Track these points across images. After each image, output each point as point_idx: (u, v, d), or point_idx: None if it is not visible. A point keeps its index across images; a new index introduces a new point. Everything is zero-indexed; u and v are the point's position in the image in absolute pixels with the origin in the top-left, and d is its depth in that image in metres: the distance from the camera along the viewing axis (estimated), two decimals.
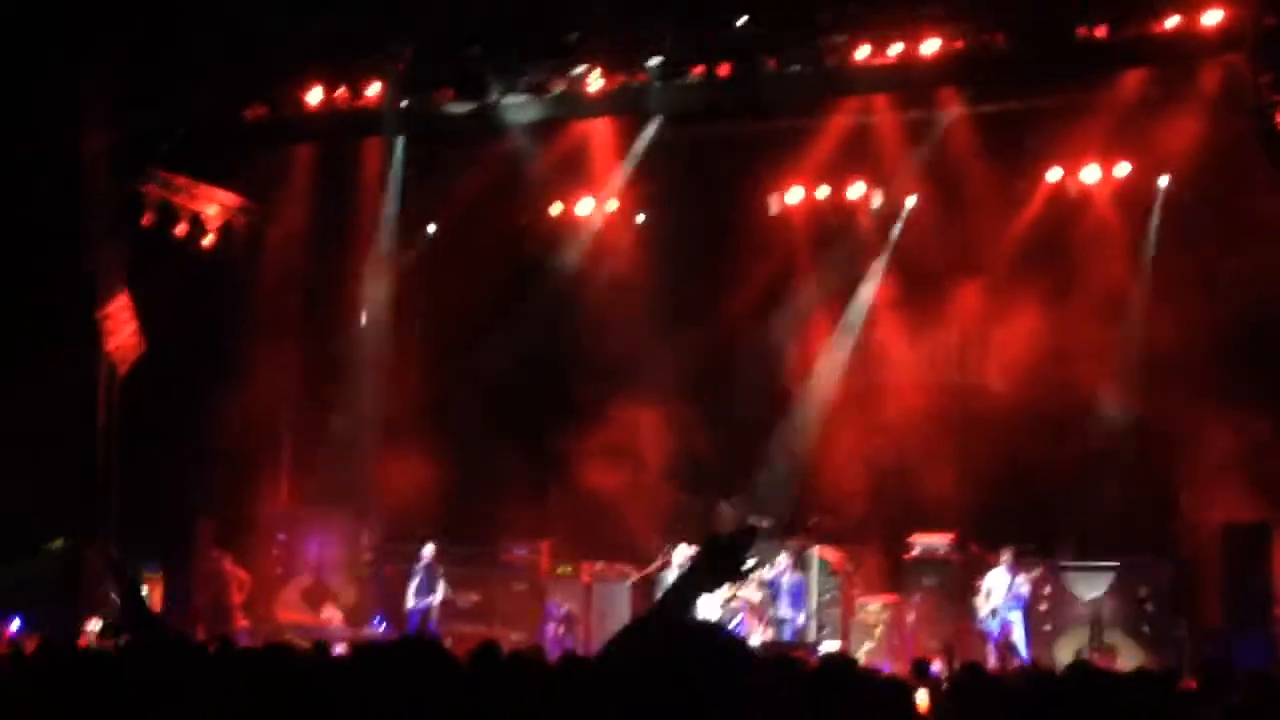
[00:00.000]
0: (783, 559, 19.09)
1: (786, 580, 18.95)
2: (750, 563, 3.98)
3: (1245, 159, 17.68)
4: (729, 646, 2.80)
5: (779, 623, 18.77)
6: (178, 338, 19.89)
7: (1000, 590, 17.87)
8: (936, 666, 14.19)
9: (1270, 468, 17.06)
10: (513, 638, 17.74)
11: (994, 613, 17.84)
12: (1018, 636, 17.78)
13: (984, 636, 17.94)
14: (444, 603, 19.90)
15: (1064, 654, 17.56)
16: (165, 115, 19.88)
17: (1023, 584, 17.88)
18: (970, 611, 18.20)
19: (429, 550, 19.92)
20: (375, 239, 22.40)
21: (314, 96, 20.09)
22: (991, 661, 16.92)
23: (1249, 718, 8.40)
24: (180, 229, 20.74)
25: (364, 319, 22.49)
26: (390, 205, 22.30)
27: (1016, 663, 17.09)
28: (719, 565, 3.91)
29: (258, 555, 20.84)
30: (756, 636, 18.18)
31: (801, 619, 18.94)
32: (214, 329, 20.69)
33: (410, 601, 19.79)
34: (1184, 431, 18.12)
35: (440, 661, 3.78)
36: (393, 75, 19.71)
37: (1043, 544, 18.98)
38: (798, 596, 19.02)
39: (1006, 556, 18.00)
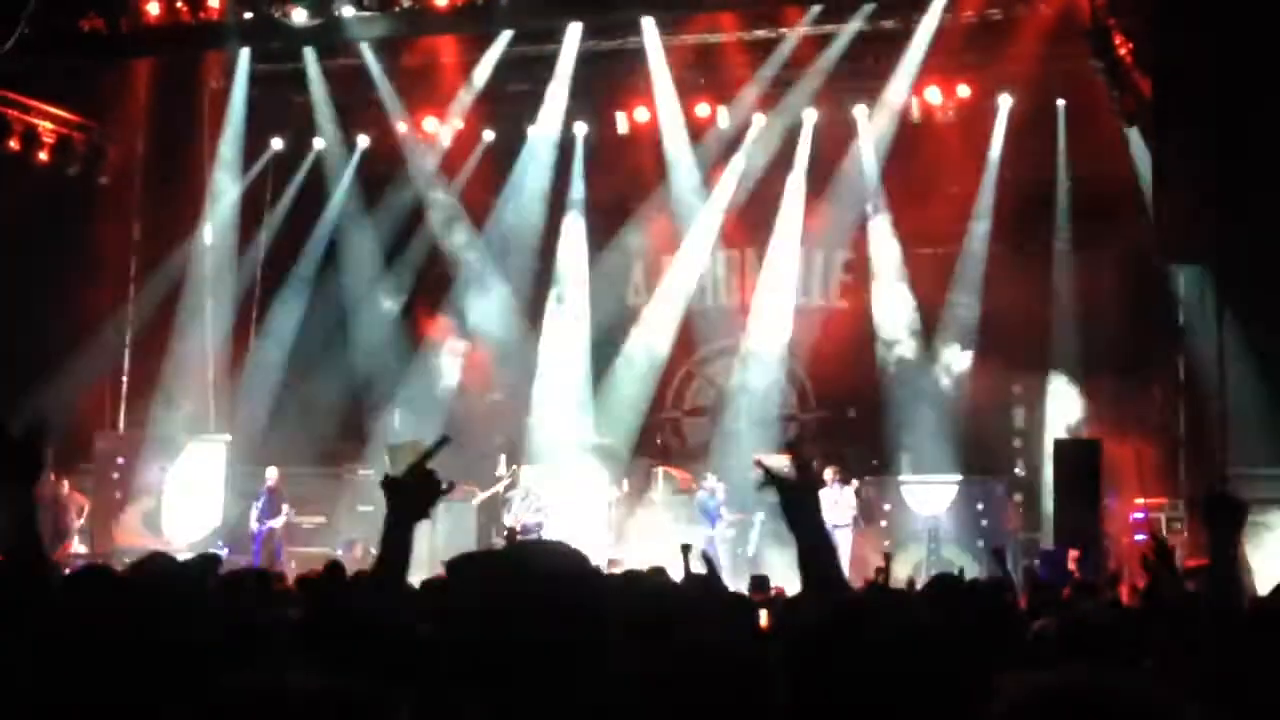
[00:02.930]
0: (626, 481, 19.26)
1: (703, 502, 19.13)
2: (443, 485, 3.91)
3: (1084, 79, 17.94)
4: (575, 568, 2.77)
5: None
6: (12, 255, 19.32)
7: (826, 507, 17.97)
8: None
9: (1103, 389, 17.39)
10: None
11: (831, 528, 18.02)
12: (843, 554, 17.90)
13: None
14: (288, 525, 19.68)
15: (902, 569, 17.75)
16: None
17: (850, 501, 18.06)
18: None
19: (272, 473, 19.66)
20: (217, 156, 21.92)
21: (154, 8, 19.58)
22: None
23: (1078, 629, 8.53)
24: (13, 144, 20.17)
25: (207, 237, 22.01)
26: (233, 123, 21.85)
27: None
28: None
29: (97, 480, 20.43)
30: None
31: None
32: (50, 247, 20.11)
33: (253, 525, 19.53)
34: (1018, 346, 18.45)
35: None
36: None
37: (883, 461, 19.23)
38: (712, 517, 19.14)
39: (829, 474, 18.15)
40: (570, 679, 2.59)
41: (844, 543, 17.89)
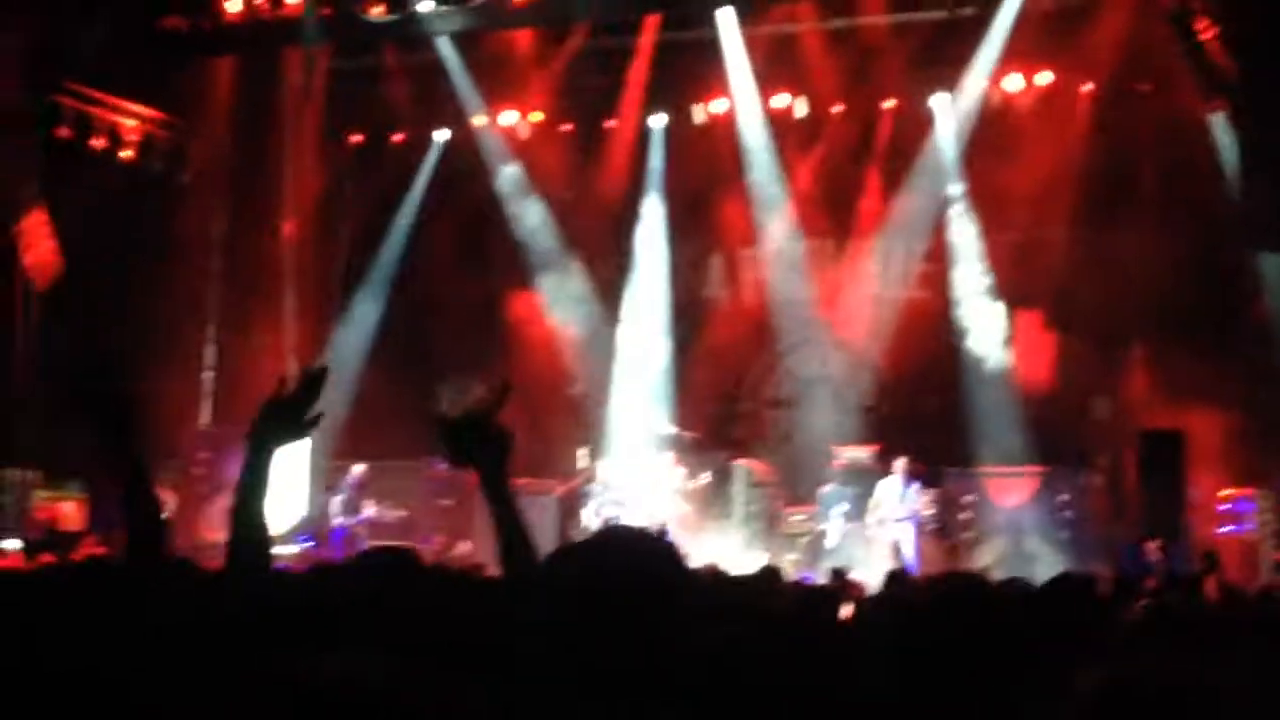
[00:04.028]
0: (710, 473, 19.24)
1: None
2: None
3: (1167, 64, 17.73)
4: (663, 553, 2.78)
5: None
6: (97, 254, 19.57)
7: (891, 501, 17.89)
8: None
9: (1184, 375, 17.17)
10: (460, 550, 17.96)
11: (880, 523, 17.88)
12: (906, 550, 17.75)
13: (870, 546, 17.84)
14: (371, 521, 19.78)
15: (983, 561, 17.65)
16: (78, 25, 19.50)
17: (914, 496, 17.92)
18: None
19: (358, 470, 19.80)
20: (299, 153, 22.11)
21: (233, 6, 19.80)
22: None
23: (1168, 617, 8.43)
24: (98, 143, 20.43)
25: (289, 232, 22.21)
26: (313, 118, 22.04)
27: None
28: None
29: (182, 475, 20.65)
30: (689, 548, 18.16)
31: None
32: (135, 245, 20.35)
33: (334, 520, 19.67)
34: (1103, 337, 18.25)
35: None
36: None
37: (964, 452, 19.07)
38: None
39: (899, 466, 18.01)
40: (654, 662, 2.59)
41: (904, 539, 17.76)
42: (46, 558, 12.38)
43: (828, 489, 18.73)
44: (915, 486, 17.96)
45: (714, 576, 9.05)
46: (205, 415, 22.16)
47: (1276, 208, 16.54)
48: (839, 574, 12.74)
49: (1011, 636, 3.24)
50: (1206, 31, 16.60)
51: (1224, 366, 17.50)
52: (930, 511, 18.41)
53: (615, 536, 2.92)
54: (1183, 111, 17.92)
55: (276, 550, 16.76)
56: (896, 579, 10.94)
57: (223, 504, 21.08)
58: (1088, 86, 19.60)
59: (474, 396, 3.96)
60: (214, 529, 20.72)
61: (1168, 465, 16.87)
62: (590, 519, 18.98)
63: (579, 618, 2.62)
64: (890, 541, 17.69)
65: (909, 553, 17.64)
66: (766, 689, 3.31)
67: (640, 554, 2.75)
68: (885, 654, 3.42)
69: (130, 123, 20.95)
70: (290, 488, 20.82)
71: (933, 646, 3.21)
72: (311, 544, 20.13)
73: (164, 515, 3.99)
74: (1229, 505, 17.43)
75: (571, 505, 19.56)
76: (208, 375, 22.26)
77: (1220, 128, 17.57)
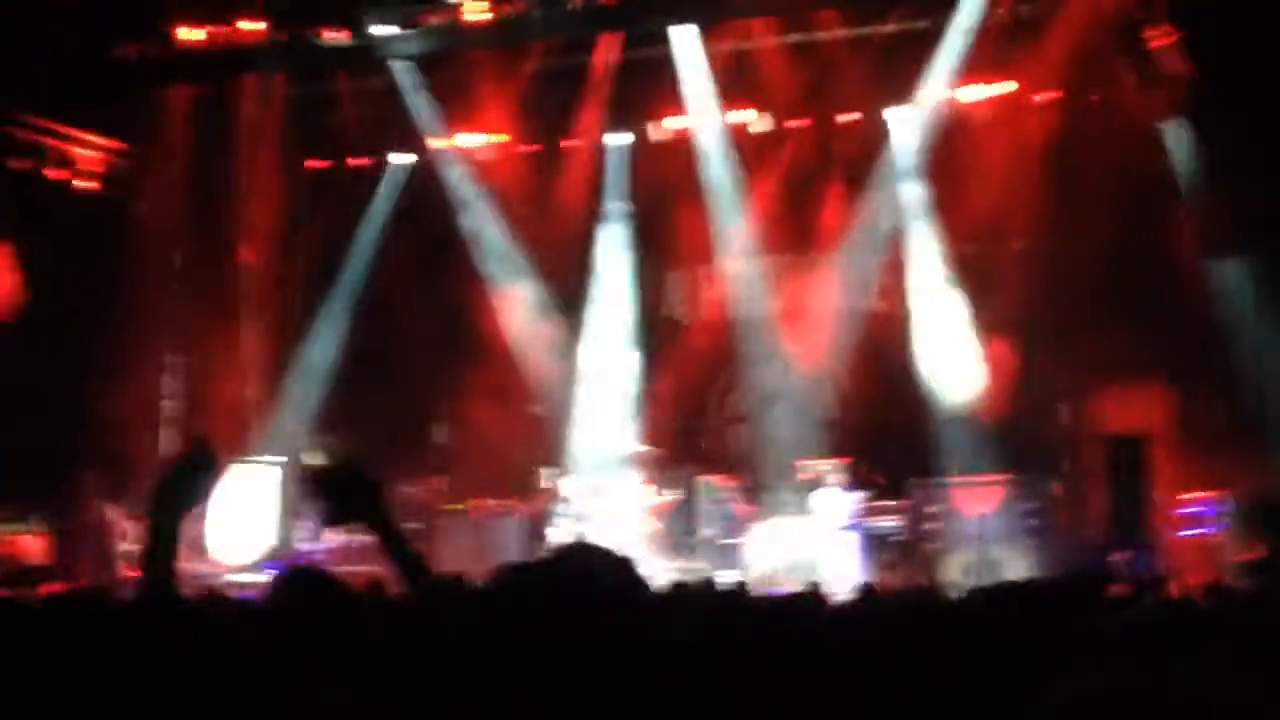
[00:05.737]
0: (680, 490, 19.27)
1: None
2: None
3: (1121, 73, 17.87)
4: (622, 568, 2.78)
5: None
6: (57, 284, 19.46)
7: (832, 509, 17.92)
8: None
9: (1146, 379, 17.29)
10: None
11: (825, 532, 17.86)
12: (850, 557, 17.78)
13: (813, 557, 17.78)
14: (337, 546, 19.68)
15: (953, 571, 17.68)
16: (30, 54, 19.39)
17: (853, 503, 17.94)
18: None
19: None
20: (256, 180, 22.04)
21: (187, 34, 19.72)
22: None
23: (1135, 628, 8.47)
24: (55, 173, 20.33)
25: (246, 259, 22.13)
26: (271, 144, 21.96)
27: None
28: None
29: (143, 504, 20.50)
30: (658, 564, 18.09)
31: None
32: (95, 276, 20.24)
33: (300, 547, 19.58)
34: (1063, 345, 18.34)
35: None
36: (269, 9, 19.43)
37: (928, 462, 19.13)
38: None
39: (837, 475, 18.04)
40: (611, 683, 2.58)
41: (846, 548, 17.77)
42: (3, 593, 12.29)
43: (794, 501, 18.75)
44: (856, 494, 18.00)
45: (680, 591, 9.05)
46: (166, 443, 22.02)
47: (1231, 215, 16.67)
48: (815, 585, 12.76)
49: (980, 645, 3.25)
50: (1158, 41, 16.74)
51: (1185, 372, 17.62)
52: (894, 522, 18.50)
53: (573, 553, 2.92)
54: (1137, 121, 18.06)
55: (246, 579, 16.66)
56: (862, 592, 10.92)
57: (186, 534, 21.01)
58: (1044, 97, 19.70)
59: (333, 454, 3.97)
60: (179, 557, 20.60)
61: (1131, 470, 16.97)
62: (557, 539, 18.94)
63: (535, 633, 2.62)
64: (832, 550, 17.71)
65: (854, 561, 17.66)
66: (731, 706, 3.31)
67: (599, 569, 2.75)
68: (856, 670, 3.42)
69: (87, 153, 20.88)
70: (258, 517, 20.74)
71: (902, 661, 3.21)
72: (279, 573, 19.99)
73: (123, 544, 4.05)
74: (1192, 509, 17.55)
75: (537, 526, 19.51)
76: (168, 403, 22.14)
77: (1174, 136, 17.70)
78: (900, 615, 7.07)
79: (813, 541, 18.02)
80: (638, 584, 2.81)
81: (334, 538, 19.51)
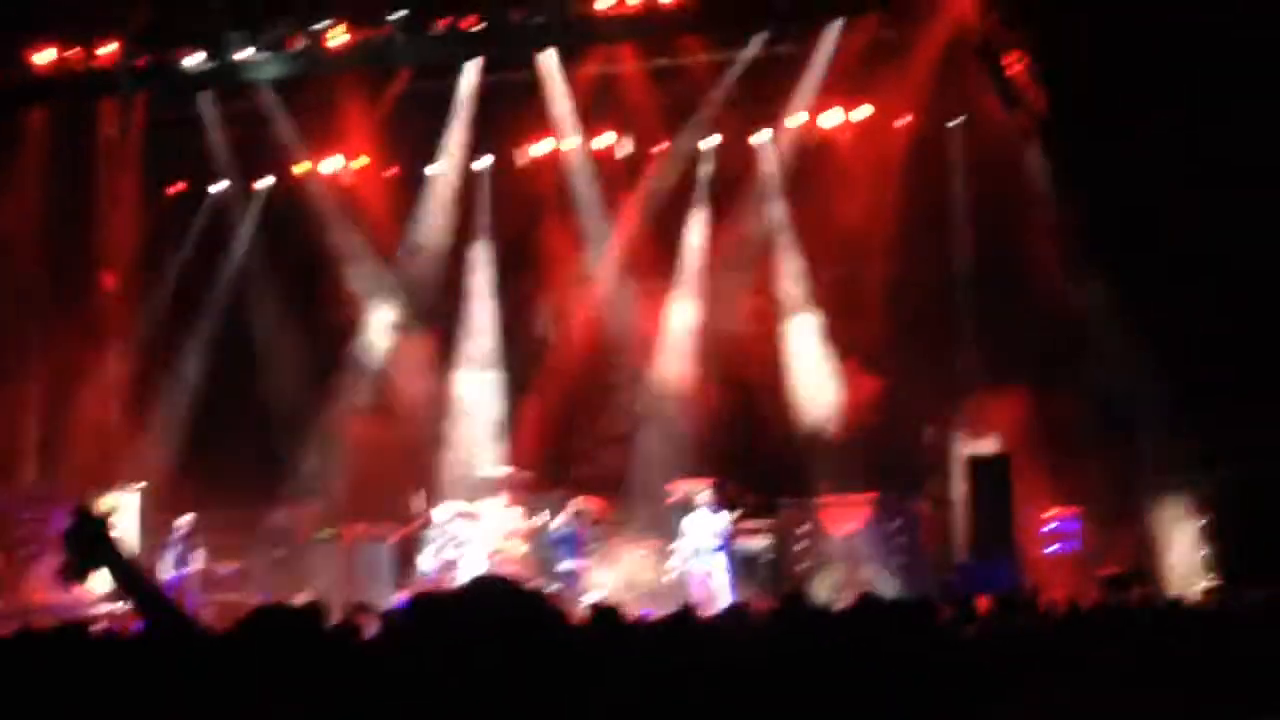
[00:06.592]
0: (547, 512, 19.17)
1: (559, 532, 18.97)
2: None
3: (980, 97, 18.20)
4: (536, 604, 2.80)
5: (565, 575, 18.67)
6: None
7: (699, 530, 17.98)
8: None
9: (1008, 394, 17.62)
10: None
11: (696, 553, 17.95)
12: (720, 579, 17.77)
13: (684, 579, 17.87)
14: (202, 572, 19.42)
15: (821, 590, 17.80)
16: None
17: (722, 523, 17.99)
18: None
19: (186, 520, 19.41)
20: (117, 205, 21.71)
21: (42, 57, 19.40)
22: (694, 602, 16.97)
23: (1000, 637, 8.63)
24: None
25: (109, 285, 21.78)
26: (131, 169, 21.65)
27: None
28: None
29: (5, 535, 20.10)
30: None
31: (580, 568, 18.85)
32: None
33: (167, 573, 19.25)
34: (927, 363, 18.61)
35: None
36: (129, 32, 19.18)
37: (798, 481, 19.30)
38: (573, 547, 18.98)
39: (705, 496, 18.14)
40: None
41: (716, 568, 17.84)
42: None
43: (664, 523, 18.81)
44: (724, 514, 18.07)
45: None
46: (30, 472, 21.59)
47: (1090, 235, 17.04)
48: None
49: (851, 663, 3.30)
50: (1015, 65, 17.08)
51: (1045, 385, 17.96)
52: (763, 542, 18.63)
53: (484, 589, 2.93)
54: (997, 143, 18.41)
55: (104, 609, 16.32)
56: (731, 611, 10.96)
57: (50, 564, 20.56)
58: (904, 120, 20.01)
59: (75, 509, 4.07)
60: (41, 591, 20.19)
61: (995, 488, 17.25)
62: (427, 563, 18.84)
63: (449, 670, 2.62)
64: (702, 572, 17.76)
65: (723, 581, 17.72)
66: None
67: (513, 605, 2.75)
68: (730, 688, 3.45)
69: None
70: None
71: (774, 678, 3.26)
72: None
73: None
74: (1054, 525, 17.88)
75: (408, 550, 19.40)
76: (32, 433, 21.70)
77: (1033, 158, 18.06)
78: (771, 633, 7.16)
79: (678, 563, 18.08)
80: (551, 615, 2.82)
81: (198, 564, 19.25)
